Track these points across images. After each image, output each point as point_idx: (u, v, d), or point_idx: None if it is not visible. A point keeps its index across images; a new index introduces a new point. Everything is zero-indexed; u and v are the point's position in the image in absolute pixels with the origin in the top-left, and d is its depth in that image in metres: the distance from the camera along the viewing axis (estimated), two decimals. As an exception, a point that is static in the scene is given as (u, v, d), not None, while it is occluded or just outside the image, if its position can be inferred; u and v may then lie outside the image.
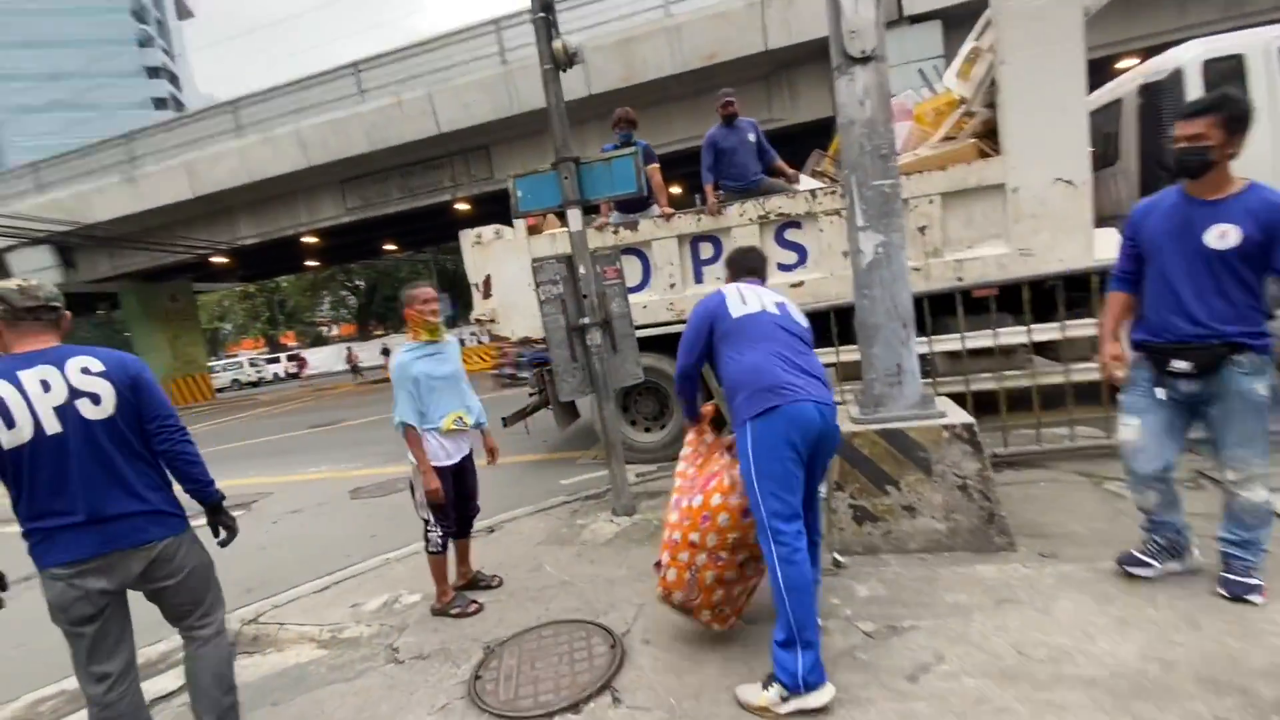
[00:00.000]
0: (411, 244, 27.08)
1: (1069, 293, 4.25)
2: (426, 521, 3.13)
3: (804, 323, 2.47)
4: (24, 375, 1.84)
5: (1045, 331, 4.37)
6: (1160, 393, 2.42)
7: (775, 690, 2.07)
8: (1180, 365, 2.32)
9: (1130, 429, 2.52)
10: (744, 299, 2.42)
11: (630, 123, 5.28)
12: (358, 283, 39.95)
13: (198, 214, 17.18)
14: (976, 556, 2.92)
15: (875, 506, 3.10)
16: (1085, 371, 4.44)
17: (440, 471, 3.09)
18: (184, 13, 72.66)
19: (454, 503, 3.19)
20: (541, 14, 3.86)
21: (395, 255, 31.49)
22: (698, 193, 18.33)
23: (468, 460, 3.28)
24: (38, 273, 17.67)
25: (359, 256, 29.84)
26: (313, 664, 2.94)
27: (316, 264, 28.44)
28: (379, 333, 39.27)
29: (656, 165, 5.41)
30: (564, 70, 3.89)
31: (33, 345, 1.92)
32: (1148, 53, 9.38)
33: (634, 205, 5.53)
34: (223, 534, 2.24)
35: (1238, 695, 1.85)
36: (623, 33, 12.77)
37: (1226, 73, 4.52)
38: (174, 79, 66.28)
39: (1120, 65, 11.39)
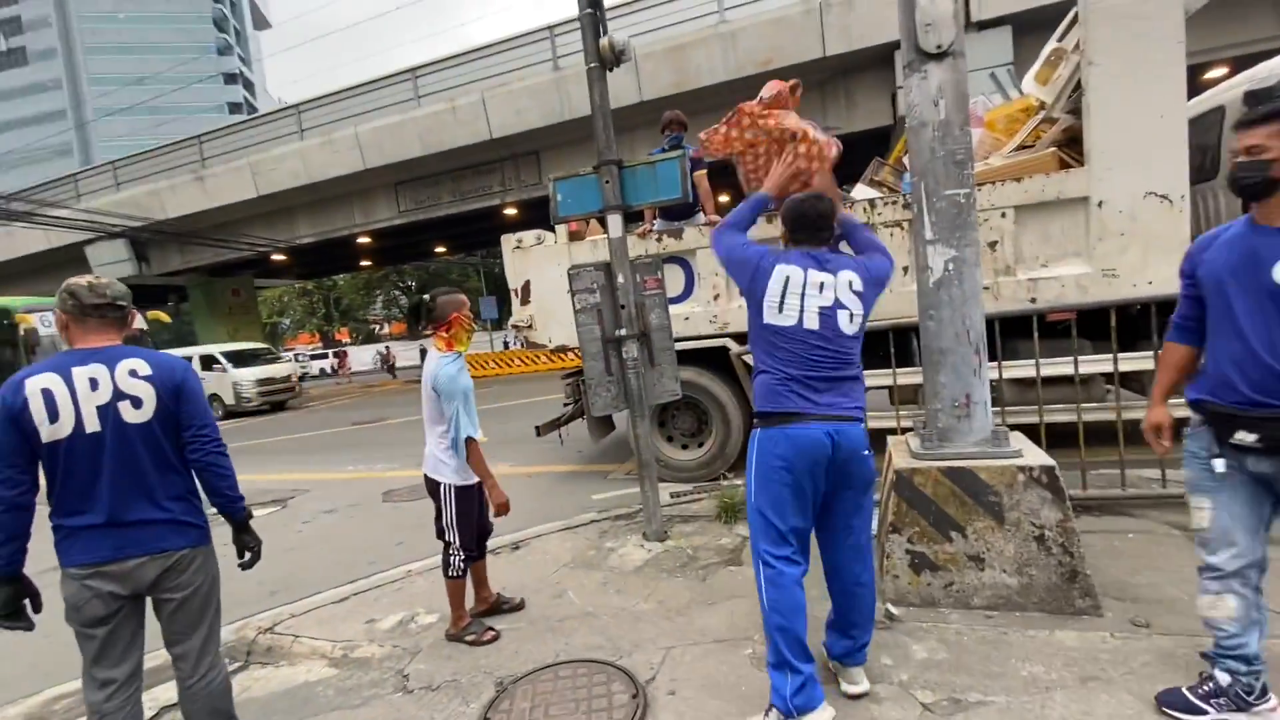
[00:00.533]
0: (461, 247, 27.60)
1: (1161, 318, 3.80)
2: (449, 545, 2.97)
3: (855, 319, 2.15)
4: (76, 371, 1.84)
5: (1133, 361, 3.94)
6: (1220, 464, 1.87)
7: (773, 717, 2.06)
8: (1244, 438, 1.78)
9: (1201, 513, 1.96)
10: (784, 301, 2.14)
11: (680, 124, 5.07)
12: (409, 283, 40.99)
13: (260, 213, 17.85)
14: (1054, 619, 2.56)
15: (936, 555, 2.76)
16: (1178, 407, 3.97)
17: (477, 490, 2.98)
18: (261, 23, 76.69)
19: (477, 522, 3.04)
20: (589, 10, 3.68)
21: (445, 258, 32.14)
22: (747, 201, 17.85)
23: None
24: (112, 265, 18.69)
25: (410, 258, 30.57)
26: (321, 684, 2.79)
27: (370, 264, 29.27)
28: (428, 333, 40.21)
29: (704, 171, 5.17)
30: (611, 69, 3.71)
31: (95, 342, 1.92)
32: (1238, 62, 8.64)
33: (680, 212, 5.31)
34: (246, 555, 2.17)
35: None
36: (675, 39, 12.61)
37: (1354, 78, 4.01)
38: (249, 85, 70.00)
39: (1208, 75, 10.54)
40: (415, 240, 22.33)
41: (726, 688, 2.36)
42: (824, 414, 2.06)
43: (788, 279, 2.14)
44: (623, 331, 3.76)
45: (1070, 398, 4.05)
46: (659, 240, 5.15)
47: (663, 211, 5.40)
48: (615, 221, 3.72)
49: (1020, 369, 4.20)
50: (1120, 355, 3.80)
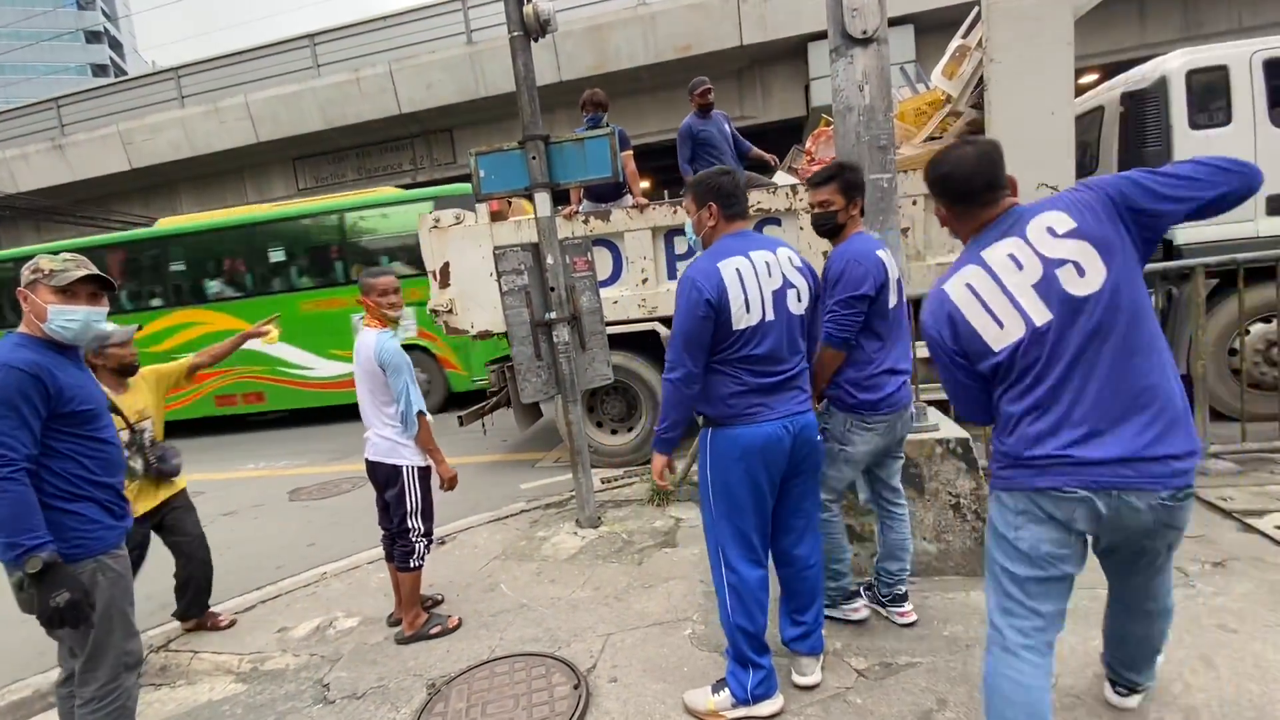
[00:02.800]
0: (369, 229, 26.07)
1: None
2: (410, 531, 2.79)
3: (803, 299, 2.03)
4: None
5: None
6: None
7: (725, 695, 2.08)
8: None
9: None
10: (747, 298, 1.91)
11: (600, 105, 4.94)
12: (311, 268, 38.41)
13: (135, 187, 16.05)
14: (969, 581, 2.73)
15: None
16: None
17: (429, 470, 2.89)
18: (128, -25, 68.58)
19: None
20: (511, -24, 3.50)
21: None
22: (668, 187, 18.05)
23: None
24: (-50, 244, 16.23)
25: (312, 240, 28.58)
26: (227, 703, 2.55)
27: (266, 246, 27.12)
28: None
29: (630, 153, 5.10)
30: (535, 39, 3.55)
31: None
32: (1108, 69, 9.56)
33: (607, 194, 5.22)
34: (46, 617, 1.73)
35: (1274, 754, 1.67)
36: (595, 18, 12.38)
37: (1210, 82, 4.49)
38: (116, 45, 62.54)
39: (1082, 81, 11.60)
40: (317, 221, 20.85)
41: (669, 669, 2.36)
42: (779, 415, 1.98)
43: (738, 272, 1.93)
44: (553, 315, 3.65)
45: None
46: (586, 222, 5.04)
47: (589, 193, 5.30)
48: (543, 200, 3.58)
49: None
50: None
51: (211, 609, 3.22)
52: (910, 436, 2.86)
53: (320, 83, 13.76)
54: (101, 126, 15.13)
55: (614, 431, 5.48)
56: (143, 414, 2.92)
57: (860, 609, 2.53)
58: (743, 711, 2.04)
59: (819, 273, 2.20)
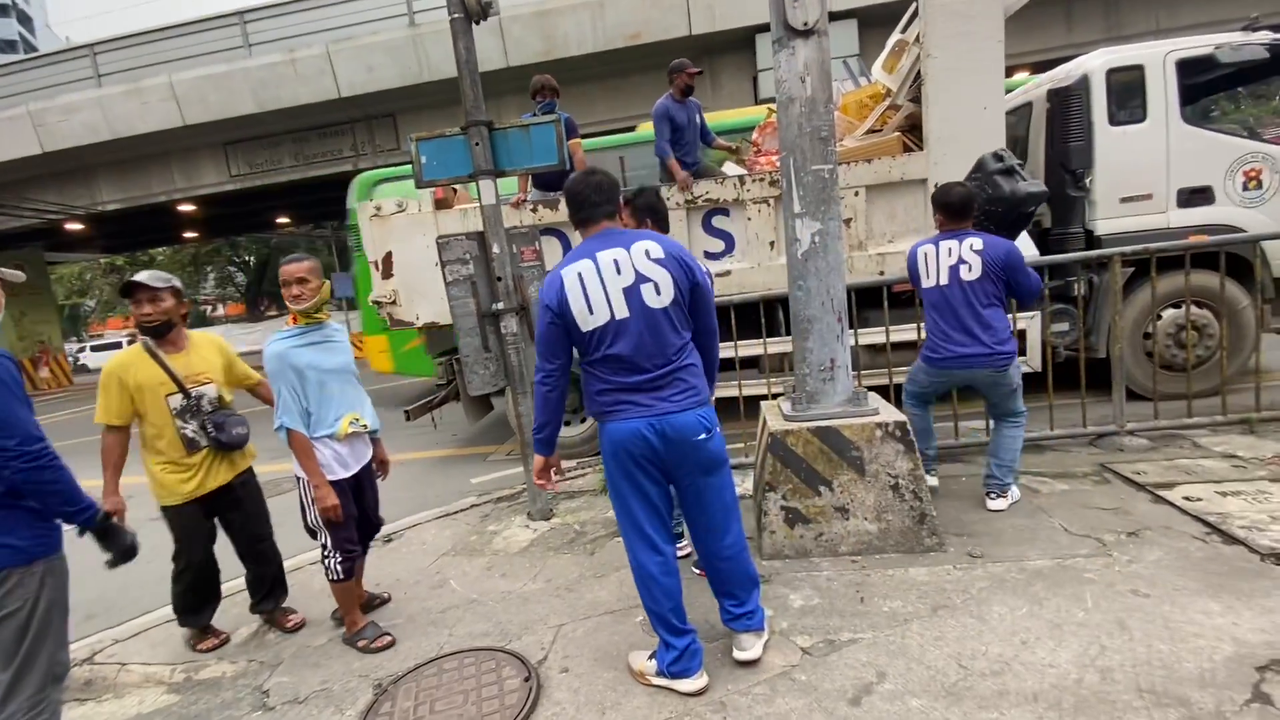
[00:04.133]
0: (308, 217, 24.99)
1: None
2: (324, 546, 2.64)
3: (663, 291, 1.96)
4: None
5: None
6: None
7: (654, 664, 2.20)
8: None
9: None
10: (589, 300, 1.95)
11: (553, 90, 4.86)
12: (246, 259, 36.57)
13: (47, 172, 14.90)
14: (907, 558, 2.84)
15: (808, 508, 2.95)
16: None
17: (336, 486, 2.59)
18: (34, -58, 63.35)
19: (349, 520, 2.66)
20: (451, -43, 3.39)
21: (289, 230, 29.01)
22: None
23: (366, 470, 2.79)
24: None
25: (247, 229, 27.21)
26: (158, 715, 2.44)
27: (196, 236, 25.66)
28: (271, 313, 36.26)
29: (579, 140, 5.04)
30: (476, 22, 3.45)
31: None
32: (1036, 67, 10.00)
33: (556, 182, 5.14)
34: (111, 556, 2.05)
35: (1179, 707, 1.81)
36: (543, 3, 12.16)
37: (1128, 81, 4.75)
38: (25, 19, 57.80)
39: (1013, 79, 12.12)
40: (252, 209, 19.85)
41: (620, 657, 2.37)
42: (647, 413, 1.99)
43: (579, 276, 1.96)
44: (500, 305, 3.59)
45: (913, 360, 4.49)
46: (534, 211, 4.97)
47: (537, 181, 5.22)
48: (487, 187, 3.51)
49: (872, 335, 4.60)
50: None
51: (285, 608, 3.02)
52: (851, 420, 2.96)
53: (252, 63, 13.06)
54: (9, 107, 13.96)
55: (567, 423, 5.45)
56: (200, 377, 2.69)
57: None
58: (664, 682, 2.16)
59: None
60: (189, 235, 24.83)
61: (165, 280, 2.61)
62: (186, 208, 17.02)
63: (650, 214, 2.66)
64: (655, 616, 2.15)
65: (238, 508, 2.83)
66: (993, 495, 3.24)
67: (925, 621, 2.37)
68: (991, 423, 3.49)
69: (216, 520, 2.85)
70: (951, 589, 2.56)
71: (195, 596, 2.82)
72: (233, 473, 2.79)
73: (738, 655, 2.23)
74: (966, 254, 3.06)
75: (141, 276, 2.56)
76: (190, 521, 2.71)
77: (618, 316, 1.96)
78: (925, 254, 3.23)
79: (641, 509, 2.10)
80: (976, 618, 2.35)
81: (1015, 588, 2.52)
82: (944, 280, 3.14)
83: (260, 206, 19.60)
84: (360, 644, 2.67)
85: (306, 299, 2.51)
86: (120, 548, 2.03)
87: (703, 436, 2.04)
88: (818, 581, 2.74)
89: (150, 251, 33.33)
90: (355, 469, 2.69)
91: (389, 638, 2.69)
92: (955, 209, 3.13)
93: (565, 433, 5.37)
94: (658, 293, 1.97)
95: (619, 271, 1.96)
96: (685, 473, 2.08)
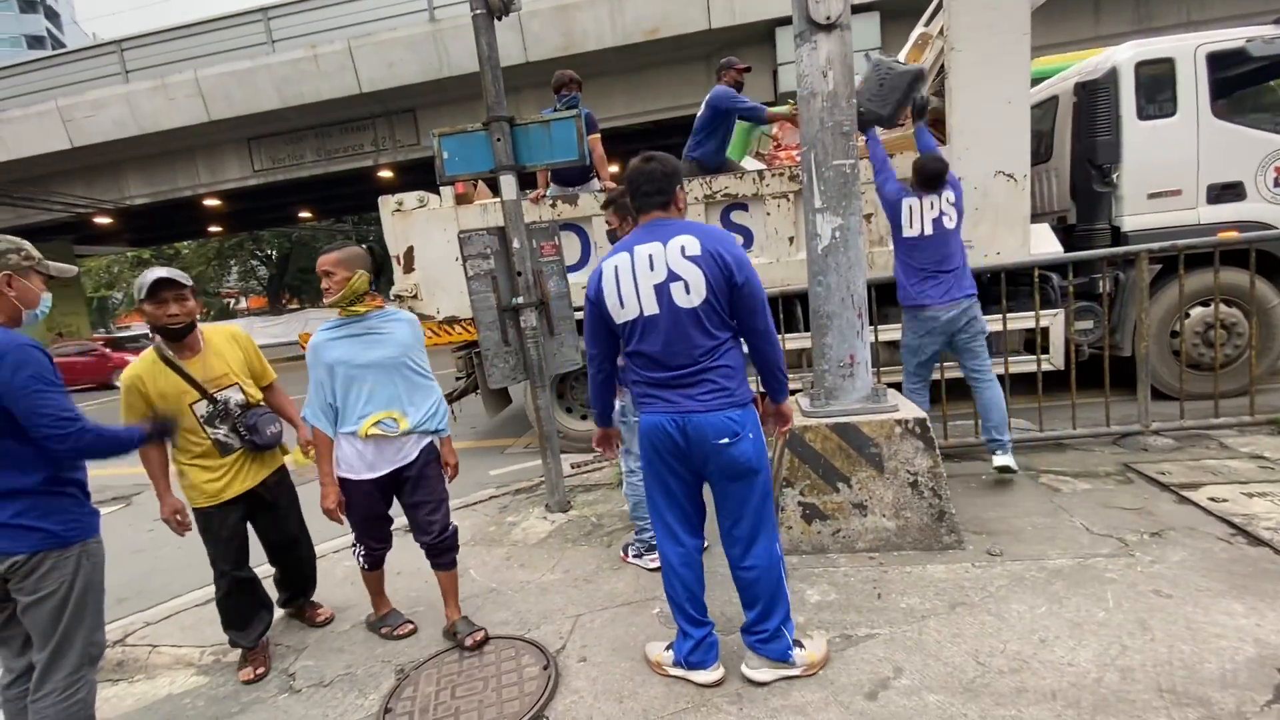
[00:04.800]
0: (329, 212, 25.33)
1: (1010, 285, 4.26)
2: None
3: (693, 291, 1.91)
4: None
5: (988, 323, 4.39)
6: None
7: (670, 654, 2.23)
8: None
9: None
10: (621, 294, 1.97)
11: (577, 84, 4.88)
12: (269, 252, 37.08)
13: (76, 167, 15.26)
14: (926, 555, 2.84)
15: (825, 505, 2.96)
16: (1021, 363, 4.50)
17: (354, 485, 2.47)
18: (64, -60, 64.53)
19: (369, 520, 2.58)
20: (473, -47, 3.42)
21: (311, 223, 29.40)
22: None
23: (411, 468, 2.52)
24: (-127, 227, 15.26)
25: (270, 223, 27.60)
26: (188, 696, 2.51)
27: (220, 230, 26.11)
28: (293, 306, 36.75)
29: (598, 136, 5.05)
30: (499, 18, 3.48)
31: None
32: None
33: (575, 177, 5.17)
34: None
35: (1200, 707, 1.79)
36: (562, -2, 12.16)
37: (1157, 74, 4.65)
38: (52, 15, 58.99)
39: (1043, 65, 11.91)
40: (274, 204, 20.17)
41: (637, 648, 2.40)
42: (670, 409, 2.00)
43: (616, 269, 1.99)
44: (520, 299, 3.63)
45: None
46: (553, 206, 5.00)
47: (556, 176, 5.25)
48: (509, 183, 3.54)
49: (892, 332, 4.57)
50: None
51: (313, 600, 3.02)
52: (870, 417, 2.96)
53: (275, 59, 13.24)
54: (38, 102, 14.30)
55: (584, 417, 5.49)
56: (221, 380, 2.54)
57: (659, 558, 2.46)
58: (680, 672, 2.19)
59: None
60: (213, 229, 25.28)
61: (187, 279, 2.47)
62: (211, 202, 17.34)
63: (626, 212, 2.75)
64: (674, 605, 2.18)
65: (270, 508, 2.73)
66: (998, 453, 3.51)
67: (943, 618, 2.36)
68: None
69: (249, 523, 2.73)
70: (970, 586, 2.56)
71: (236, 606, 2.61)
72: (265, 472, 2.67)
73: (744, 671, 2.13)
74: (945, 207, 3.49)
75: (165, 273, 2.37)
76: (222, 525, 2.55)
77: (646, 313, 1.95)
78: (910, 206, 3.52)
79: (663, 499, 2.13)
80: (995, 615, 2.35)
81: (1035, 586, 2.51)
82: (928, 231, 3.49)
83: (282, 201, 19.91)
84: (383, 630, 2.73)
85: (333, 292, 2.39)
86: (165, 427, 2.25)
87: (726, 441, 1.95)
88: (835, 577, 2.74)
89: (176, 245, 34.01)
90: (384, 471, 2.48)
91: (410, 625, 2.74)
92: (932, 179, 3.47)
93: (581, 426, 5.41)
94: (687, 291, 1.91)
95: (652, 268, 1.93)
96: (711, 474, 2.04)
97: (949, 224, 3.47)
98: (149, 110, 13.80)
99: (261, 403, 2.69)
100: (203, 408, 2.49)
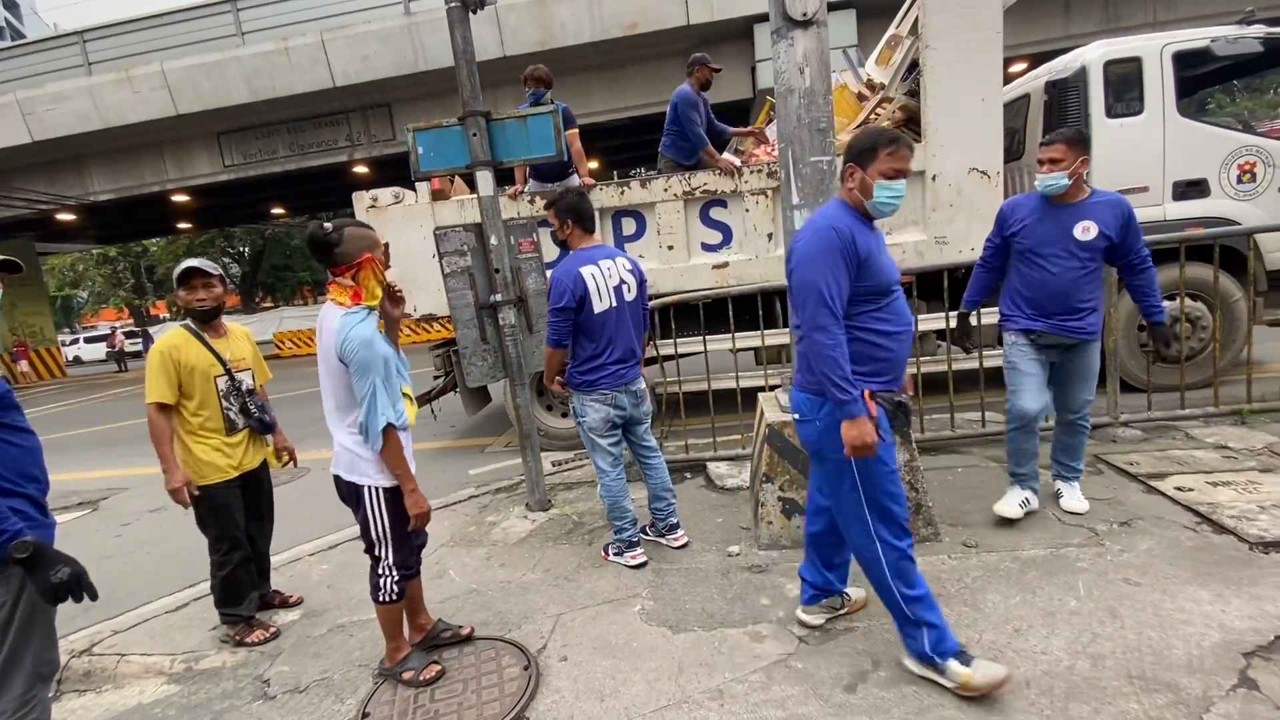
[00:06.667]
0: (303, 208, 24.82)
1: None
2: (378, 560, 2.28)
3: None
4: None
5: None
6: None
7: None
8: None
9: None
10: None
11: (542, 81, 4.83)
12: (241, 249, 36.30)
13: (37, 162, 14.77)
14: (903, 548, 2.86)
15: (804, 499, 2.96)
16: (995, 357, 4.57)
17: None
18: (21, -73, 62.31)
19: (414, 530, 2.32)
20: (447, -56, 3.37)
21: (285, 220, 28.83)
22: (616, 168, 17.86)
23: None
24: None
25: (242, 220, 27.01)
26: (159, 705, 2.45)
27: (189, 227, 25.47)
28: (267, 305, 36.08)
29: (576, 131, 5.02)
30: (474, 11, 3.43)
31: None
32: (1034, 58, 9.98)
33: (553, 173, 5.13)
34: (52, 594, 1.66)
35: (1167, 692, 1.84)
36: (540, -8, 12.05)
37: (1125, 73, 4.75)
38: (11, 5, 56.96)
39: (1012, 70, 12.10)
40: (246, 200, 19.73)
41: (618, 646, 2.39)
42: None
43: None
44: (498, 297, 3.59)
45: (910, 352, 4.51)
46: (531, 202, 4.96)
47: (534, 172, 5.20)
48: (485, 178, 3.50)
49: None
50: (951, 314, 4.28)
51: (275, 589, 3.13)
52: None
53: (245, 52, 12.93)
54: (-4, 95, 13.82)
55: (564, 414, 5.46)
56: (239, 364, 2.82)
57: (639, 555, 3.06)
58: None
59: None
60: (183, 226, 24.65)
61: (215, 268, 2.77)
62: (180, 198, 16.93)
63: (573, 215, 2.99)
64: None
65: (258, 490, 2.95)
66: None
67: (920, 610, 2.39)
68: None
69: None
70: (946, 578, 2.59)
71: (242, 578, 2.82)
72: (259, 458, 2.93)
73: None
74: None
75: (196, 263, 2.70)
76: (230, 500, 2.77)
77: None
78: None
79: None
80: (971, 606, 2.39)
81: (1009, 576, 2.55)
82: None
83: (254, 197, 19.49)
84: (406, 675, 2.31)
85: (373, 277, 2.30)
86: (48, 579, 1.62)
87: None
88: (814, 571, 2.76)
89: (144, 242, 33.12)
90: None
91: (438, 667, 2.35)
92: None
93: (562, 424, 5.38)
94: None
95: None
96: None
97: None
98: (113, 103, 13.39)
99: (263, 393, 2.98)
100: (224, 383, 2.75)
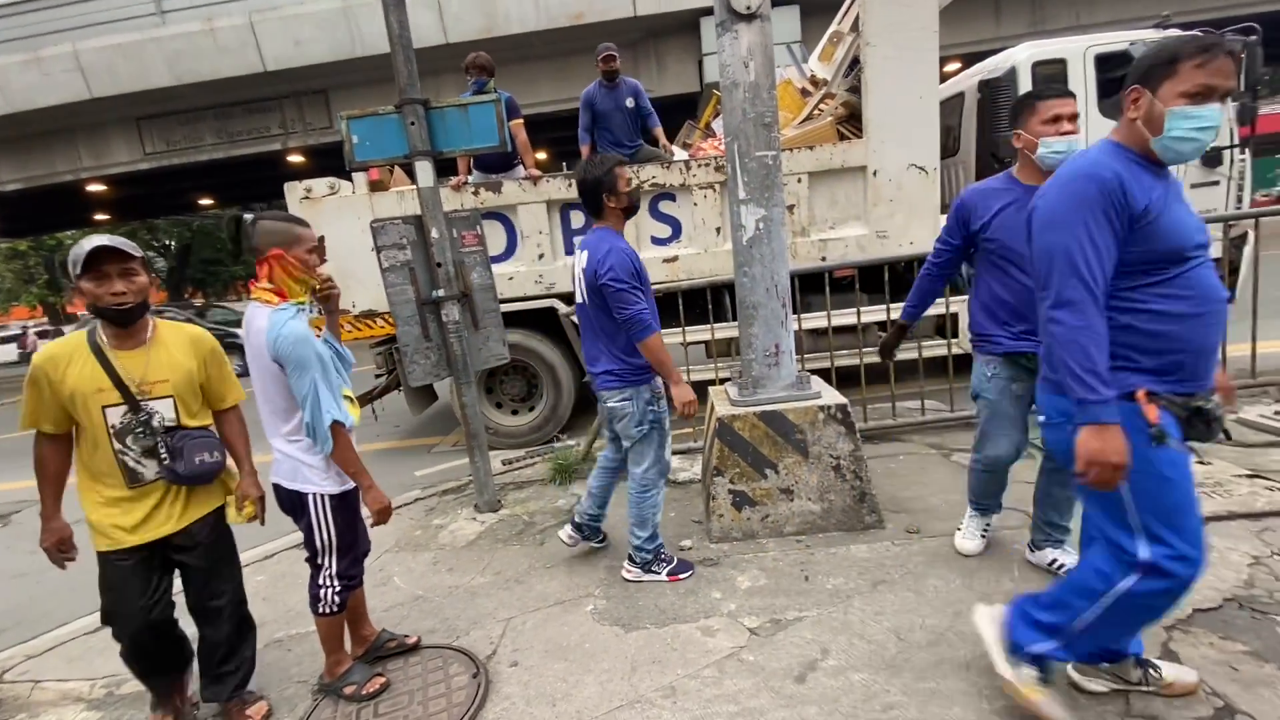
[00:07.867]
0: (233, 199, 23.54)
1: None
2: (320, 569, 2.14)
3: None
4: None
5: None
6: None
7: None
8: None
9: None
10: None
11: (485, 69, 4.71)
12: (166, 242, 34.19)
13: (-71, 148, 13.52)
14: (849, 536, 2.94)
15: (754, 491, 3.00)
16: (933, 348, 4.73)
17: (354, 494, 2.19)
18: (-97, -113, 56.59)
19: (358, 539, 2.25)
20: (380, -76, 3.21)
21: (214, 212, 27.30)
22: (565, 160, 17.69)
23: None
24: None
25: (166, 211, 25.43)
26: (76, 735, 2.28)
27: (108, 218, 23.79)
28: (198, 300, 34.17)
29: (521, 121, 4.91)
30: (409, -5, 3.29)
31: None
32: (967, 58, 10.36)
33: (497, 164, 5.01)
34: None
35: (1094, 666, 1.93)
36: (483, -22, 11.73)
37: (1051, 73, 4.96)
38: (-109, -27, 51.74)
39: (946, 69, 12.56)
40: (170, 190, 18.56)
41: (570, 648, 2.36)
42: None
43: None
44: (440, 292, 3.48)
45: (853, 344, 4.62)
46: (475, 194, 4.83)
47: (478, 163, 5.08)
48: (425, 169, 3.37)
49: (815, 320, 4.71)
50: (892, 305, 4.40)
51: (244, 696, 2.22)
52: (795, 404, 3.02)
53: (166, 32, 12.12)
54: (-122, 73, 12.53)
55: (515, 412, 5.37)
56: (155, 388, 1.96)
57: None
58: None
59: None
60: (100, 218, 22.99)
61: (136, 249, 1.91)
62: (96, 188, 15.79)
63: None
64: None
65: (193, 553, 2.08)
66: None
67: (866, 597, 2.45)
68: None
69: (175, 572, 2.13)
70: (891, 564, 2.66)
71: (140, 664, 2.14)
72: (193, 515, 2.06)
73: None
74: None
75: (108, 240, 1.84)
76: (122, 578, 1.97)
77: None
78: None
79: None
80: (914, 591, 2.46)
81: (949, 561, 2.64)
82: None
83: (179, 187, 18.37)
84: (348, 690, 2.20)
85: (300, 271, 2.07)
86: None
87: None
88: (764, 562, 2.80)
89: (57, 235, 30.76)
90: None
91: (382, 679, 2.26)
92: None
93: (512, 421, 5.29)
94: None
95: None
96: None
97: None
98: (20, 87, 12.35)
99: (206, 427, 2.09)
100: (118, 415, 1.91)
